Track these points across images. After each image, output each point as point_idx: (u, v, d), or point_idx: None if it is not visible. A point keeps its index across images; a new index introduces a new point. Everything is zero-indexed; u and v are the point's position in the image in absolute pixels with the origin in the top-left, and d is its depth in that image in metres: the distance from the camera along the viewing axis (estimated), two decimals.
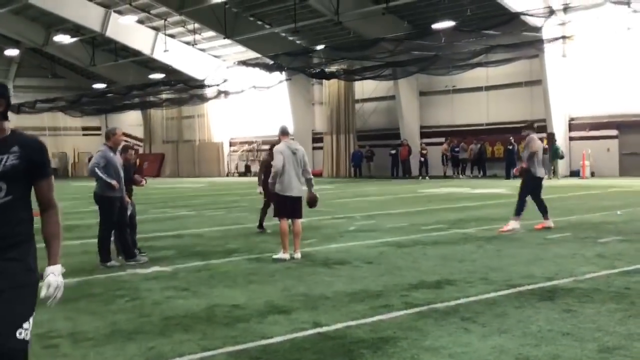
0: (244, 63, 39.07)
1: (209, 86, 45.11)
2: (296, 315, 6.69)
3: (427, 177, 35.54)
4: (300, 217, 10.36)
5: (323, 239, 12.24)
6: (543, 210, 13.13)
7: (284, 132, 10.74)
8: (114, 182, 9.75)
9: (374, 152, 40.25)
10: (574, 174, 32.47)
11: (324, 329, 6.15)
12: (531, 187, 13.16)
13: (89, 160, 9.57)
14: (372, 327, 6.15)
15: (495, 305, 6.87)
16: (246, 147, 48.99)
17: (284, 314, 6.72)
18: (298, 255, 10.11)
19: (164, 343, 5.82)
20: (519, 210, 12.93)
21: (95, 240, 10.14)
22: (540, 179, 13.28)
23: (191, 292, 7.94)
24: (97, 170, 9.73)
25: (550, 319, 6.27)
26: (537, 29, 31.22)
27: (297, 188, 10.29)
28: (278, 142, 10.58)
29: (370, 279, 8.43)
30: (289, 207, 10.19)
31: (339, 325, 6.24)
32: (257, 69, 38.76)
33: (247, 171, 48.04)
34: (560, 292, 7.39)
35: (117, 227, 10.08)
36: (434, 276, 8.46)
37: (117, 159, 10.05)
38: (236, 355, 5.42)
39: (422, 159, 36.48)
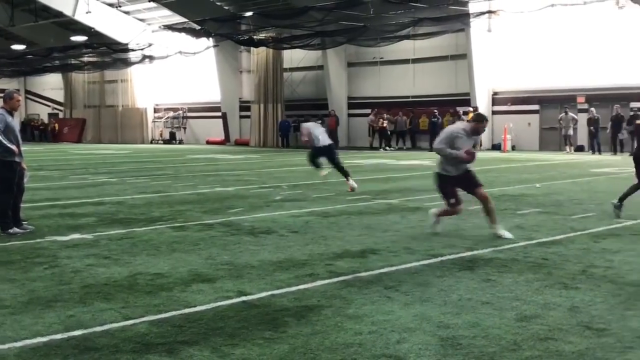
0: (170, 28, 38.27)
1: (132, 50, 44.00)
2: (220, 283, 6.64)
3: (387, 149, 35.31)
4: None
5: (249, 208, 12.19)
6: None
7: None
8: (13, 147, 9.37)
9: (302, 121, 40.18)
10: (496, 147, 33.25)
11: (249, 297, 6.13)
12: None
13: None
14: (297, 296, 6.17)
15: (418, 275, 6.99)
16: (171, 113, 48.19)
17: (208, 283, 6.67)
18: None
19: (84, 311, 5.69)
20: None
21: None
22: (321, 148, 15.46)
23: (113, 260, 7.78)
24: None
25: (470, 288, 6.41)
26: (464, 3, 31.64)
27: None
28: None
29: (295, 248, 8.44)
30: None
31: (264, 294, 6.23)
32: (183, 34, 38.02)
33: (172, 138, 47.31)
34: (480, 262, 7.57)
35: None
36: (359, 246, 8.54)
37: (16, 124, 9.66)
38: (158, 324, 5.34)
39: (384, 131, 36.10)
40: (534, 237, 9.06)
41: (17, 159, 9.50)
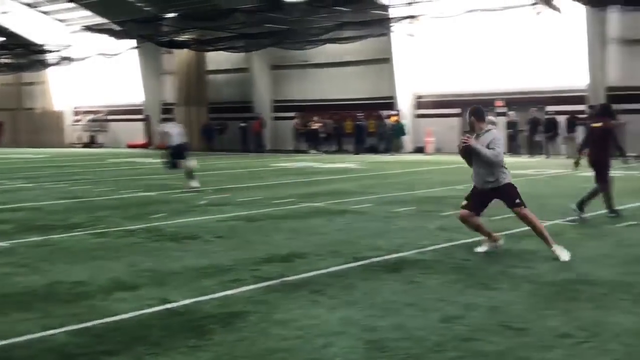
0: (90, 29, 37.37)
1: (50, 51, 42.76)
2: (143, 291, 6.51)
3: (315, 151, 35.04)
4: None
5: (173, 213, 11.99)
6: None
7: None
8: None
9: (227, 125, 39.82)
10: (419, 150, 33.77)
11: (173, 304, 6.02)
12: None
13: None
14: (222, 302, 6.10)
15: (344, 278, 7.01)
16: (91, 116, 47.06)
17: (131, 291, 6.52)
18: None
19: (0, 322, 5.47)
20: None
21: None
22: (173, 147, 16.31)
23: (30, 268, 7.52)
24: None
25: (395, 290, 6.47)
26: (386, 8, 32.04)
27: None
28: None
29: (220, 253, 8.34)
30: None
31: (188, 301, 6.13)
32: (104, 35, 37.20)
33: (91, 142, 46.19)
34: (405, 264, 7.65)
35: None
36: (285, 250, 8.51)
37: None
38: (79, 334, 5.19)
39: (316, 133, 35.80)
40: (457, 239, 9.21)
41: None
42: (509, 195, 8.07)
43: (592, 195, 10.96)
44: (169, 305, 5.99)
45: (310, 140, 35.92)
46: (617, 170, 20.94)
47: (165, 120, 17.49)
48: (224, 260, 7.88)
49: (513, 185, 8.16)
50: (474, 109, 8.38)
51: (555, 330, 5.17)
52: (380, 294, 6.33)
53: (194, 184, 15.73)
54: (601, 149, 10.99)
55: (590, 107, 28.25)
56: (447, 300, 6.08)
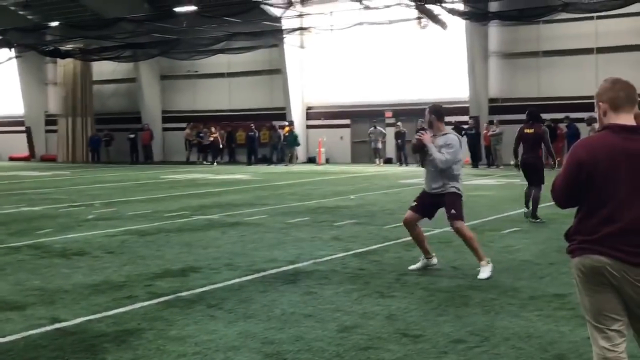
0: None
1: None
2: (31, 310, 6.23)
3: (213, 163, 34.28)
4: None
5: (60, 229, 11.55)
6: None
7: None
8: None
9: (113, 136, 38.80)
10: (311, 160, 34.06)
11: (63, 324, 5.80)
12: None
13: None
14: (115, 320, 5.92)
15: (241, 291, 6.96)
16: None
17: (18, 310, 6.24)
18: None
19: None
20: None
21: None
22: None
23: None
24: None
25: (293, 301, 6.48)
26: (277, 19, 32.22)
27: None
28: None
29: (111, 269, 8.11)
30: None
31: (79, 320, 5.92)
32: None
33: None
34: (301, 275, 7.68)
35: None
36: (179, 264, 8.37)
37: None
38: None
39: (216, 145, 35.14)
40: (351, 248, 9.34)
41: None
42: (449, 204, 7.57)
43: (537, 200, 11.65)
44: (59, 325, 5.77)
45: (202, 151, 35.49)
46: (496, 178, 21.90)
47: None
48: (116, 277, 7.67)
49: (458, 195, 7.64)
50: (434, 107, 7.85)
51: (449, 336, 5.33)
52: (278, 306, 6.33)
53: None
54: (535, 153, 11.72)
55: (472, 117, 29.44)
56: (344, 310, 6.15)
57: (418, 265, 7.88)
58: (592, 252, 3.34)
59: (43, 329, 5.65)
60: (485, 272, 7.36)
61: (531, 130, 11.83)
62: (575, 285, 3.50)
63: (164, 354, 5.02)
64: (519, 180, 20.75)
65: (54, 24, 34.08)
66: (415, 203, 7.83)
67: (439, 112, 7.83)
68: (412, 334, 5.39)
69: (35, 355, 4.98)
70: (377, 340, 5.26)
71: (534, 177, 11.71)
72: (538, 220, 11.53)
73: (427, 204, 7.76)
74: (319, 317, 5.92)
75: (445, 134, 7.71)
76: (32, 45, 35.60)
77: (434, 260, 7.91)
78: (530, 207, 11.78)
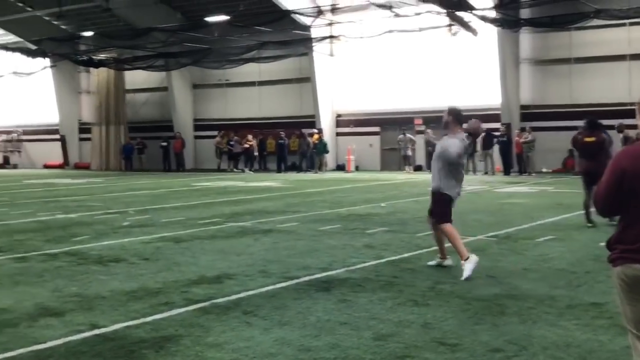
0: (4, 47, 36.28)
1: None
2: (70, 317, 6.33)
3: (244, 171, 34.33)
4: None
5: (95, 235, 11.71)
6: None
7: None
8: None
9: (146, 144, 39.23)
10: (340, 167, 34.09)
11: (102, 330, 5.88)
12: None
13: None
14: (153, 326, 5.99)
15: (275, 298, 7.00)
16: (4, 137, 45.54)
17: (57, 317, 6.33)
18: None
19: None
20: None
21: None
22: None
23: None
24: None
25: (327, 309, 6.50)
26: (307, 28, 32.35)
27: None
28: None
29: (148, 276, 8.20)
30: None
31: (118, 326, 6.00)
32: (17, 54, 36.18)
33: (5, 162, 44.70)
34: (335, 282, 7.70)
35: None
36: (214, 271, 8.43)
37: None
38: None
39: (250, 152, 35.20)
40: (384, 256, 9.34)
41: None
42: (435, 203, 8.30)
43: (588, 205, 11.74)
44: (98, 331, 5.85)
45: (232, 159, 35.70)
46: (529, 186, 21.73)
47: None
48: (152, 283, 7.75)
49: (445, 197, 8.15)
50: (453, 109, 8.25)
51: (487, 345, 5.31)
52: (313, 313, 6.35)
53: None
54: (598, 161, 11.51)
55: (504, 124, 29.24)
56: (379, 318, 6.15)
57: (433, 262, 8.53)
58: (634, 262, 3.32)
59: (82, 335, 5.73)
60: (466, 271, 7.72)
61: (592, 139, 11.84)
62: (616, 294, 3.48)
63: None
64: (552, 188, 20.63)
65: (88, 33, 34.61)
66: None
67: (457, 114, 8.23)
68: (448, 343, 5.38)
69: None
70: (414, 348, 5.26)
71: (593, 185, 11.69)
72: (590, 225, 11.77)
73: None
74: (354, 325, 5.93)
75: (459, 134, 8.16)
76: (66, 54, 36.14)
77: (448, 262, 8.41)
78: (592, 219, 11.77)
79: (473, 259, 7.81)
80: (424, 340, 5.47)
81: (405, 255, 9.44)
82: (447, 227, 8.16)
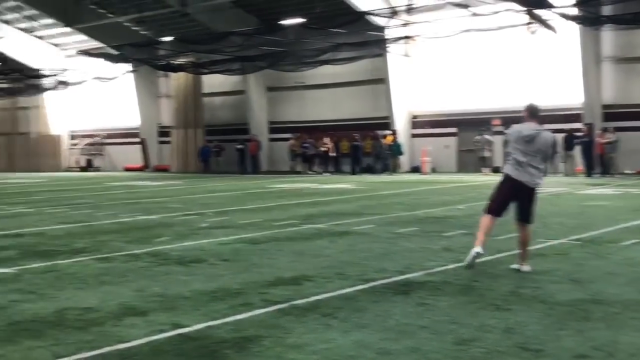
0: (86, 53, 37.53)
1: (45, 76, 42.91)
2: (154, 316, 6.47)
3: (322, 173, 34.72)
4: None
5: (176, 237, 11.96)
6: None
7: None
8: None
9: (223, 146, 39.91)
10: (415, 169, 33.85)
11: (185, 329, 5.98)
12: None
13: None
14: (234, 326, 6.06)
15: (353, 300, 6.98)
16: (88, 140, 47.10)
17: (141, 316, 6.48)
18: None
19: (12, 350, 5.43)
20: None
21: None
22: None
23: (38, 295, 7.47)
24: None
25: (406, 312, 6.44)
26: (381, 29, 32.26)
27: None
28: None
29: (227, 276, 8.31)
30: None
31: (200, 326, 6.09)
32: (100, 59, 37.36)
33: (88, 165, 46.19)
34: (413, 285, 7.63)
35: None
36: (291, 272, 8.48)
37: None
38: None
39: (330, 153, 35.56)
40: (462, 259, 9.17)
41: None
42: (530, 201, 8.68)
43: None
44: (181, 331, 5.96)
45: (306, 161, 35.97)
46: (612, 188, 21.06)
47: None
48: (232, 284, 7.85)
49: (498, 184, 8.87)
50: (529, 105, 8.70)
51: (572, 351, 5.16)
52: (392, 316, 6.31)
53: None
54: None
55: (586, 124, 28.47)
56: (460, 322, 6.06)
57: (515, 265, 8.56)
58: None
59: (166, 334, 5.85)
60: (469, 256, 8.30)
61: None
62: None
63: None
64: (636, 190, 19.95)
65: (167, 38, 35.45)
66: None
67: (531, 110, 8.69)
68: (532, 348, 5.25)
69: None
70: (496, 353, 5.16)
71: None
72: None
73: None
74: (434, 329, 5.86)
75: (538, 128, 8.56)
76: (146, 59, 37.10)
77: (479, 250, 8.40)
78: None
79: (473, 250, 8.29)
80: (506, 345, 5.36)
81: (485, 258, 9.27)
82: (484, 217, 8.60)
